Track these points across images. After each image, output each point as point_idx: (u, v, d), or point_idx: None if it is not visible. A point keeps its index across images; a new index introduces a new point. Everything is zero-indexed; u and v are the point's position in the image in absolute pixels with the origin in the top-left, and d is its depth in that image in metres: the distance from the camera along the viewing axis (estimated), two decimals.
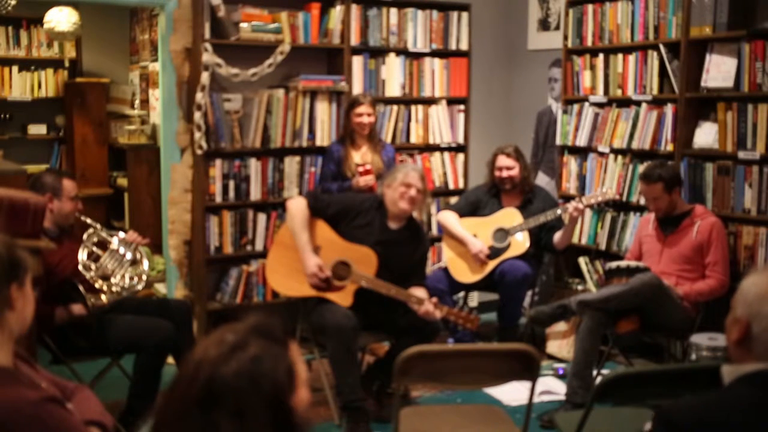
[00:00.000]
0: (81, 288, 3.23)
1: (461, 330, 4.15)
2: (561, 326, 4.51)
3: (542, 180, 5.24)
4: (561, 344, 4.51)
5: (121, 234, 3.58)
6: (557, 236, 4.32)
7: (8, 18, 6.37)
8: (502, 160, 4.46)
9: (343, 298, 3.63)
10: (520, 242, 4.35)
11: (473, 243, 4.35)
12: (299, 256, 3.69)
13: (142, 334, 3.34)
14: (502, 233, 4.38)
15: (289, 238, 3.76)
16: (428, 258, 4.24)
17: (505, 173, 4.45)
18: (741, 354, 1.64)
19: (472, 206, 4.56)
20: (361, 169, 4.33)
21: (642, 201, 4.42)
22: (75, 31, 6.12)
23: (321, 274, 3.62)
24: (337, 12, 4.68)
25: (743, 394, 1.58)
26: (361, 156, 4.43)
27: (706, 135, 4.19)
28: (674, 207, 3.95)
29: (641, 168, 4.41)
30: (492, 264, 4.34)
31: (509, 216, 4.42)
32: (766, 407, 1.55)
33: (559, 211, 4.30)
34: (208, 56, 4.31)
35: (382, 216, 3.78)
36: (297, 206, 3.75)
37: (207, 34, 4.36)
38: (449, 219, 4.53)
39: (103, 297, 3.33)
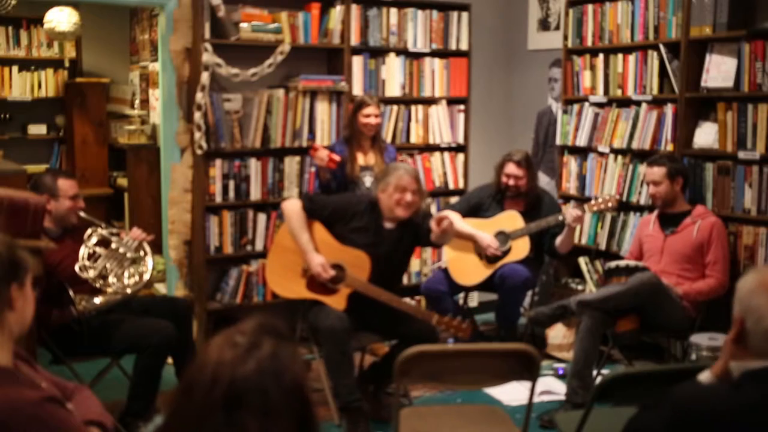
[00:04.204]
0: (71, 292, 3.22)
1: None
2: (559, 338, 4.50)
3: (542, 180, 5.22)
4: (561, 346, 4.51)
5: (124, 232, 3.58)
6: (559, 240, 4.30)
7: (8, 18, 6.38)
8: (511, 168, 4.37)
9: (337, 301, 3.61)
10: (521, 246, 4.32)
11: (482, 237, 4.25)
12: (298, 258, 3.68)
13: (142, 335, 3.33)
14: (503, 236, 4.34)
15: (287, 239, 3.75)
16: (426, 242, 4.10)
17: (512, 181, 4.38)
18: (739, 352, 1.68)
19: (474, 208, 4.50)
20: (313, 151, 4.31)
21: (642, 201, 4.42)
22: (75, 31, 6.12)
23: (325, 274, 3.62)
24: (337, 12, 4.68)
25: (752, 389, 1.62)
26: (365, 158, 4.41)
27: (706, 135, 4.19)
28: (674, 199, 3.97)
29: (641, 168, 4.41)
30: (492, 267, 4.31)
31: (510, 219, 4.37)
32: None
33: (560, 217, 4.27)
34: (208, 56, 4.31)
35: (377, 217, 3.74)
36: (292, 208, 3.73)
37: (207, 34, 4.36)
38: (452, 218, 4.49)
39: (99, 299, 3.32)
